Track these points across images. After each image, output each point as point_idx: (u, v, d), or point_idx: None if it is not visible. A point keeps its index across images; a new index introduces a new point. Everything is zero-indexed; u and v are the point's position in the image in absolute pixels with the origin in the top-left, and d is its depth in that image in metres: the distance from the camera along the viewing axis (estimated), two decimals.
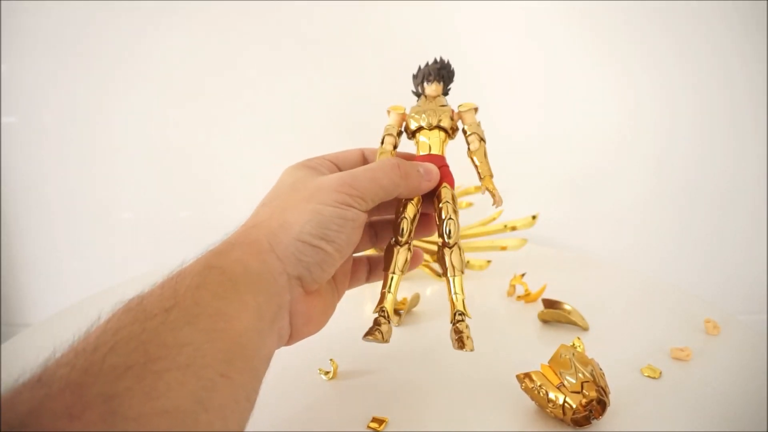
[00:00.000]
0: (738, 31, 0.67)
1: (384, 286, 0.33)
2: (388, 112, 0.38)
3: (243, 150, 0.74)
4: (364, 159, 0.36)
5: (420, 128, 0.36)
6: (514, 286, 0.54)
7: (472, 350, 0.32)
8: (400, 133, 0.37)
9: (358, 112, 0.72)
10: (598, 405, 0.33)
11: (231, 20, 0.68)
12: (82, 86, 0.70)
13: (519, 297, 0.53)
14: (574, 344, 0.35)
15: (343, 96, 0.72)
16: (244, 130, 0.73)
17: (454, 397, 0.37)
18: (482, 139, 0.36)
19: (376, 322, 0.33)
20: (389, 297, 0.33)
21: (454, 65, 0.38)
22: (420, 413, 0.35)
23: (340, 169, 0.34)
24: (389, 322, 0.33)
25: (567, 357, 0.33)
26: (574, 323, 0.46)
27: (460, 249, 0.34)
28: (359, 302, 0.54)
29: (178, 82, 0.70)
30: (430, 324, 0.48)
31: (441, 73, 0.37)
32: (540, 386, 0.33)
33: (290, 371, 0.40)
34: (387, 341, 0.32)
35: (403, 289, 0.53)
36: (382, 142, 0.37)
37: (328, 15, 0.68)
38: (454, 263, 0.33)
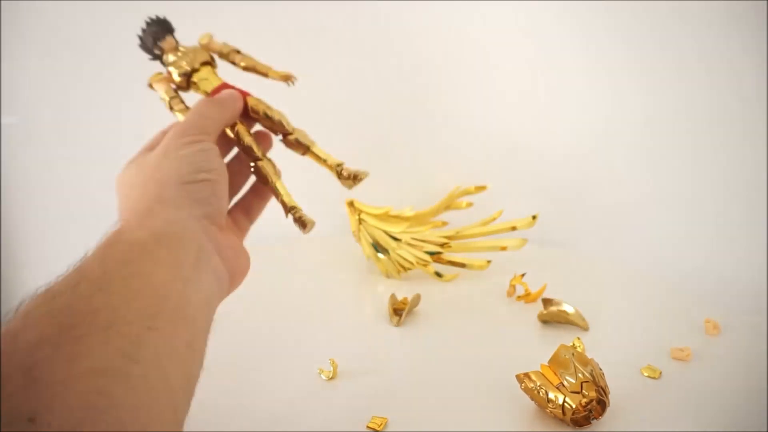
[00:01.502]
0: (739, 29, 0.67)
1: (277, 197, 0.36)
2: (151, 86, 0.40)
3: None
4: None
5: (190, 73, 0.38)
6: (514, 286, 0.54)
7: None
8: (177, 91, 0.39)
9: (357, 111, 0.72)
10: (598, 405, 0.33)
11: (231, 19, 0.68)
12: (82, 86, 0.70)
13: (519, 297, 0.53)
14: (574, 344, 0.35)
15: (342, 96, 0.72)
16: None
17: (454, 397, 0.37)
18: (238, 51, 0.39)
19: (296, 217, 0.35)
20: (286, 199, 0.36)
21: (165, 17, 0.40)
22: (420, 413, 0.35)
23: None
24: (297, 207, 0.36)
25: (567, 357, 0.33)
26: (574, 323, 0.46)
27: (298, 130, 0.38)
28: (360, 302, 0.54)
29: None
30: (430, 324, 0.48)
31: (160, 28, 0.40)
32: (540, 386, 0.33)
33: (291, 371, 0.40)
34: (313, 222, 0.36)
35: (403, 289, 0.53)
36: (171, 109, 0.38)
37: (329, 15, 0.68)
38: (304, 139, 0.38)
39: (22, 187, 0.73)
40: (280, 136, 0.38)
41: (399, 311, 0.49)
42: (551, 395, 0.32)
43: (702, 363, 0.41)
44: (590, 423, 0.33)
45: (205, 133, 0.32)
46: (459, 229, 0.59)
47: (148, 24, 0.40)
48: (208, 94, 0.37)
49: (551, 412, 0.33)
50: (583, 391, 0.32)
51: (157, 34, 0.39)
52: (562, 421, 0.33)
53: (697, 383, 0.38)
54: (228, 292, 0.30)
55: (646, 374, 0.39)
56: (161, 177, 0.30)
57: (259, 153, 0.36)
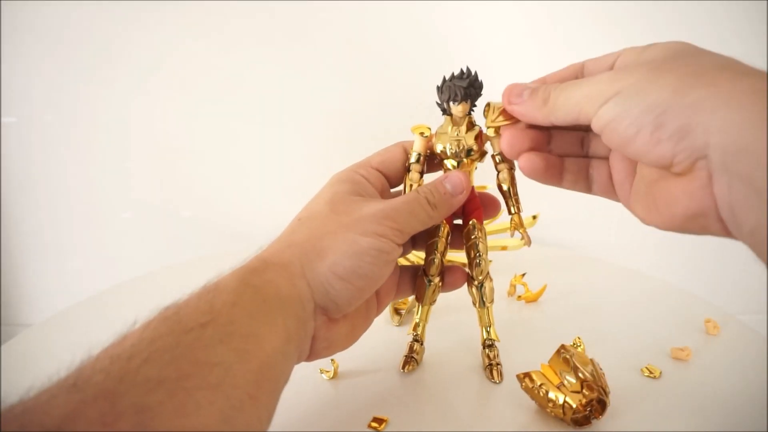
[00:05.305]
0: (745, 28, 0.67)
1: (417, 314, 0.38)
2: (413, 131, 0.35)
3: (244, 149, 0.74)
4: (407, 156, 0.35)
5: (448, 158, 0.35)
6: (514, 286, 0.54)
7: (500, 382, 0.37)
8: (426, 156, 0.35)
9: (361, 111, 0.72)
10: (598, 405, 0.33)
11: (230, 19, 0.68)
12: (82, 86, 0.70)
13: (519, 297, 0.53)
14: (574, 344, 0.35)
15: (346, 96, 0.72)
16: (245, 130, 0.73)
17: (454, 397, 0.37)
18: (512, 168, 0.35)
19: (411, 350, 0.39)
20: (422, 325, 0.39)
21: (480, 75, 0.34)
22: (420, 413, 0.35)
23: (385, 175, 0.35)
24: (422, 344, 0.40)
25: (567, 357, 0.33)
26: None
27: (490, 281, 0.37)
28: None
29: (178, 81, 0.70)
30: (430, 324, 0.48)
31: (469, 92, 0.33)
32: (540, 386, 0.33)
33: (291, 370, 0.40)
34: (408, 368, 0.40)
35: None
36: (409, 170, 0.35)
37: (333, 17, 0.68)
38: (485, 296, 0.37)
39: (22, 187, 0.73)
40: (467, 271, 0.37)
41: (399, 311, 0.49)
42: (551, 395, 0.32)
43: (702, 363, 0.41)
44: (590, 423, 0.33)
45: (402, 231, 0.30)
46: None
47: (461, 75, 0.33)
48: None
49: (551, 411, 0.33)
50: (583, 391, 0.32)
51: (458, 93, 0.33)
52: (562, 420, 0.33)
53: (697, 383, 0.38)
54: None
55: (646, 374, 0.39)
56: (324, 246, 0.28)
57: (435, 271, 0.36)
